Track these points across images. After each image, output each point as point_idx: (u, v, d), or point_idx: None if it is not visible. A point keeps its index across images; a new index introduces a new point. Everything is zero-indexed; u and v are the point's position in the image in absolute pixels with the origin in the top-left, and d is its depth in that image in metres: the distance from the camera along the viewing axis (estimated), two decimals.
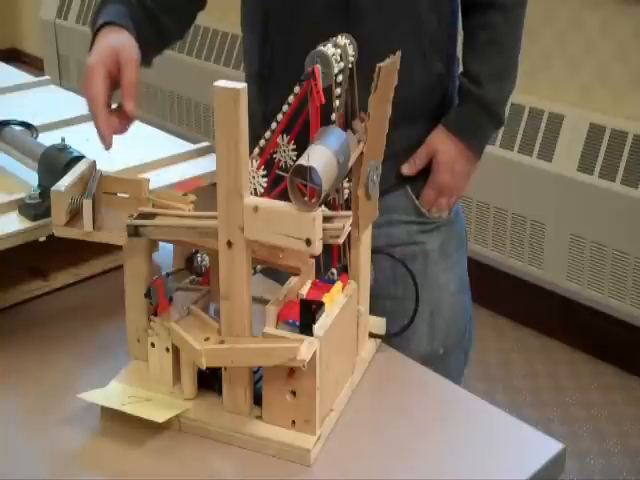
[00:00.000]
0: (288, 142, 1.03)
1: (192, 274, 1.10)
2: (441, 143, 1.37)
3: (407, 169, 1.38)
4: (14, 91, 1.67)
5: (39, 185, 1.20)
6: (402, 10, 1.31)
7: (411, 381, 1.10)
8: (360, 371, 1.09)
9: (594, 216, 2.62)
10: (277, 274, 1.15)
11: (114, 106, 1.18)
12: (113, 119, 1.17)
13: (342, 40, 1.02)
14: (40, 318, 1.20)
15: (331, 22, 1.28)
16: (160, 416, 0.97)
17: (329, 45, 1.01)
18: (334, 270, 1.06)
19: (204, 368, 0.96)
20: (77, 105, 1.61)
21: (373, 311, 1.23)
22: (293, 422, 0.96)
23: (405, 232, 1.40)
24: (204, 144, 1.41)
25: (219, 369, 0.98)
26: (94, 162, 1.13)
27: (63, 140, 1.22)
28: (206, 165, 1.34)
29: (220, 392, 0.99)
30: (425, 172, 1.39)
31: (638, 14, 2.56)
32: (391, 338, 1.16)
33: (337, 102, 1.01)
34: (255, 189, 1.01)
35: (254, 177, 1.01)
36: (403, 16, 1.31)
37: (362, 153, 1.01)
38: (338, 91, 1.01)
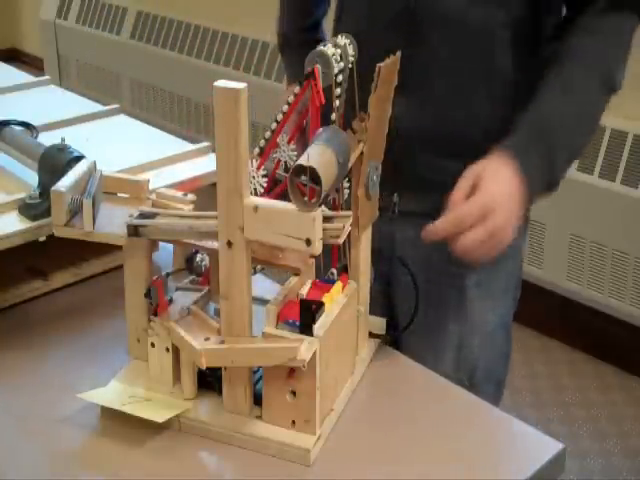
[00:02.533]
0: (288, 142, 1.03)
1: (192, 274, 1.10)
2: (484, 162, 1.16)
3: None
4: (14, 91, 1.67)
5: (39, 185, 1.20)
6: (469, 35, 1.22)
7: (411, 381, 1.10)
8: (360, 371, 1.09)
9: (594, 216, 2.62)
10: (277, 274, 1.15)
11: None
12: None
13: (342, 40, 1.02)
14: (40, 318, 1.20)
15: (391, 33, 1.26)
16: (160, 416, 0.97)
17: (329, 45, 1.01)
18: (334, 270, 1.06)
19: (204, 368, 0.96)
20: (77, 105, 1.62)
21: (411, 335, 1.23)
22: (293, 422, 0.96)
23: (442, 257, 1.26)
24: (204, 144, 1.41)
25: (219, 369, 0.98)
26: (94, 162, 1.13)
27: (63, 140, 1.22)
28: (206, 165, 1.34)
29: (220, 392, 0.99)
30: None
31: None
32: (390, 337, 1.16)
33: (337, 102, 1.01)
34: (255, 189, 1.01)
35: (254, 177, 1.01)
36: (470, 41, 1.23)
37: (362, 153, 1.01)
38: (338, 91, 1.01)
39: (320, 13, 1.47)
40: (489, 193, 1.09)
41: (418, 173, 1.29)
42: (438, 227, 1.08)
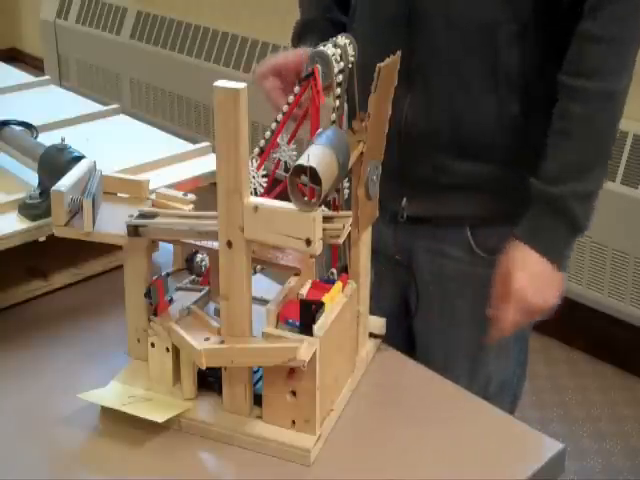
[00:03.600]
0: (288, 142, 1.03)
1: (192, 274, 1.10)
2: (510, 253, 1.21)
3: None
4: (14, 91, 1.67)
5: (39, 185, 1.20)
6: (473, 33, 1.22)
7: (411, 381, 1.10)
8: (360, 371, 1.08)
9: (594, 216, 2.62)
10: (277, 274, 1.16)
11: None
12: None
13: (342, 40, 1.02)
14: (40, 318, 1.20)
15: (392, 34, 1.26)
16: (160, 416, 0.97)
17: (329, 45, 1.01)
18: (334, 270, 1.06)
19: (204, 368, 0.96)
20: (77, 105, 1.62)
21: (426, 340, 1.21)
22: (293, 422, 0.96)
23: (455, 269, 1.32)
24: (204, 144, 1.41)
25: (219, 369, 0.98)
26: (94, 162, 1.13)
27: (63, 140, 1.22)
28: (206, 165, 1.34)
29: (220, 392, 0.99)
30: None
31: None
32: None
33: (337, 102, 1.01)
34: (255, 189, 1.01)
35: (254, 177, 1.01)
36: (474, 38, 1.22)
37: (362, 153, 1.01)
38: (338, 91, 1.01)
39: None
40: (518, 290, 1.20)
41: (426, 176, 1.28)
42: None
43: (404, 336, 1.38)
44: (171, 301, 1.04)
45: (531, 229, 1.21)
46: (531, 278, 1.19)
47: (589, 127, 1.19)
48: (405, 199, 1.31)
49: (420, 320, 1.36)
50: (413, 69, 1.22)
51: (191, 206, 1.06)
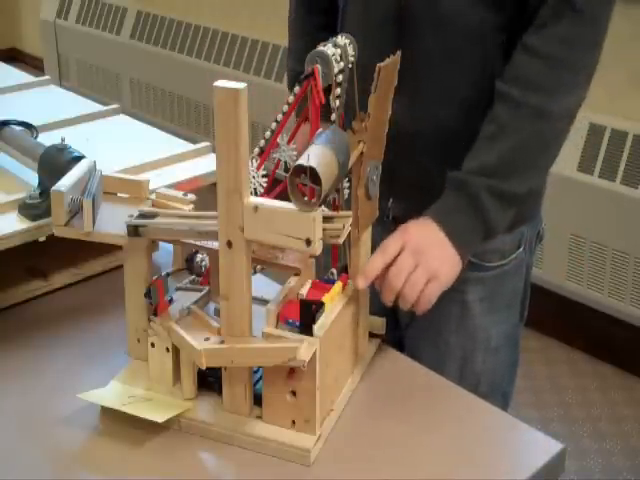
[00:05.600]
0: (288, 142, 1.03)
1: (192, 274, 1.10)
2: (411, 226, 1.17)
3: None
4: (14, 91, 1.67)
5: (39, 185, 1.20)
6: (461, 41, 1.20)
7: (411, 381, 1.10)
8: (360, 371, 1.09)
9: (594, 216, 2.62)
10: (277, 274, 1.15)
11: None
12: None
13: (342, 40, 1.02)
14: (40, 318, 1.20)
15: (383, 34, 1.25)
16: (160, 416, 0.97)
17: (329, 45, 1.01)
18: (334, 270, 1.06)
19: (204, 368, 0.96)
20: (77, 105, 1.62)
21: (414, 345, 1.22)
22: (293, 422, 0.96)
23: None
24: (204, 144, 1.41)
25: (219, 369, 0.98)
26: (94, 162, 1.13)
27: (63, 140, 1.22)
28: (206, 165, 1.34)
29: (220, 392, 0.99)
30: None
31: (637, 15, 2.56)
32: (392, 338, 1.16)
33: (337, 102, 1.01)
34: (255, 189, 1.01)
35: (254, 177, 1.01)
36: (462, 46, 1.20)
37: (362, 153, 1.01)
38: (338, 91, 1.01)
39: None
40: (415, 242, 1.12)
41: (411, 178, 1.28)
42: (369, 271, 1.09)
43: (393, 338, 1.38)
44: (171, 301, 1.04)
45: (440, 209, 1.17)
46: (418, 254, 1.12)
47: (514, 135, 1.16)
48: (392, 199, 1.30)
49: (408, 323, 1.35)
50: (401, 71, 1.22)
51: (191, 206, 1.06)
